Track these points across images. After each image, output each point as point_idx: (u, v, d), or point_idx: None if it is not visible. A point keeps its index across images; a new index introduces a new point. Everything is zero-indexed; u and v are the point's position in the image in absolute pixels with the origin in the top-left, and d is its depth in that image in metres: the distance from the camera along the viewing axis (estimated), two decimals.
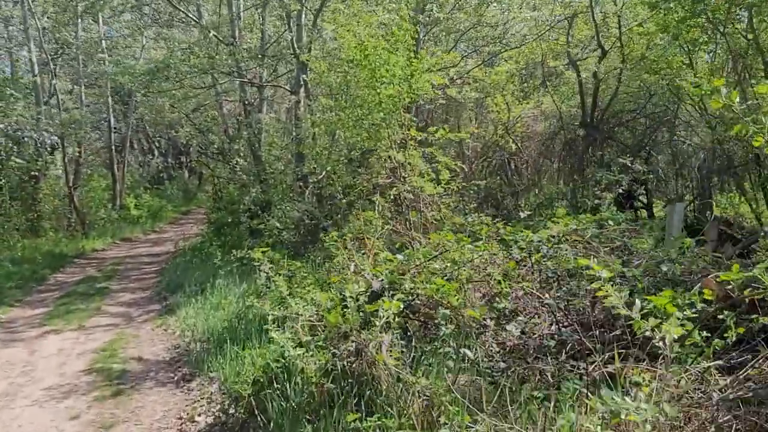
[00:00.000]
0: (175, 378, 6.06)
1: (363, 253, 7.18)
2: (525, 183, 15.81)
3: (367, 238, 7.24)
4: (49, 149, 18.50)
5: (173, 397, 5.55)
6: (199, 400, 5.36)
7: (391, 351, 4.21)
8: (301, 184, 12.53)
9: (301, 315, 4.80)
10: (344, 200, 11.23)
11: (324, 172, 12.58)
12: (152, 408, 5.30)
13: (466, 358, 4.06)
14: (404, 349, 4.39)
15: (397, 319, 4.34)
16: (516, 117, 15.53)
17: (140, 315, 9.06)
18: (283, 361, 4.67)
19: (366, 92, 7.07)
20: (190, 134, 19.88)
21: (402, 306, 4.43)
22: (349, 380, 4.18)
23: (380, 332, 4.19)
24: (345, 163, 10.54)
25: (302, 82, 13.80)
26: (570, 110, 16.02)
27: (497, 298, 4.77)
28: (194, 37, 16.11)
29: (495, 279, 4.85)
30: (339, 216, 11.31)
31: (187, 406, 5.28)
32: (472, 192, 11.03)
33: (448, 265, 5.02)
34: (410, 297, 4.78)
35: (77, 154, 19.64)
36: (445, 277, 4.86)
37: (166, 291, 10.46)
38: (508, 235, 5.33)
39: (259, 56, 14.63)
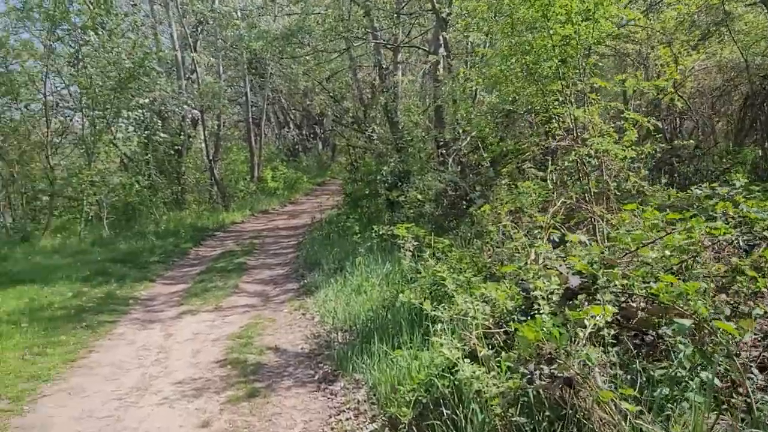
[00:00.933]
0: (316, 377, 5.23)
1: (528, 232, 5.98)
2: (700, 145, 13.62)
3: (535, 214, 6.01)
4: (191, 123, 18.81)
5: (314, 403, 4.72)
6: (344, 411, 4.47)
7: (604, 375, 3.03)
8: (443, 151, 11.44)
9: (473, 317, 3.71)
10: (492, 168, 10.01)
11: (468, 138, 11.39)
12: (290, 416, 4.49)
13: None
14: (619, 371, 3.18)
15: (609, 331, 3.13)
16: (686, 69, 13.32)
17: (277, 295, 8.46)
18: (451, 378, 3.63)
19: (533, 36, 5.77)
20: (324, 103, 19.38)
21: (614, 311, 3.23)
22: (546, 414, 3.06)
23: (588, 348, 3.02)
24: (495, 126, 9.28)
25: (441, 42, 12.60)
26: (754, 59, 13.53)
27: (750, 302, 3.39)
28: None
29: (745, 273, 3.46)
30: (487, 186, 10.13)
31: (330, 417, 4.41)
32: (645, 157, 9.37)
33: (668, 254, 3.70)
34: (621, 298, 3.53)
35: (216, 127, 19.88)
36: (669, 271, 3.56)
37: (303, 268, 9.85)
38: (749, 212, 3.89)
39: (395, 15, 13.59)
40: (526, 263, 4.20)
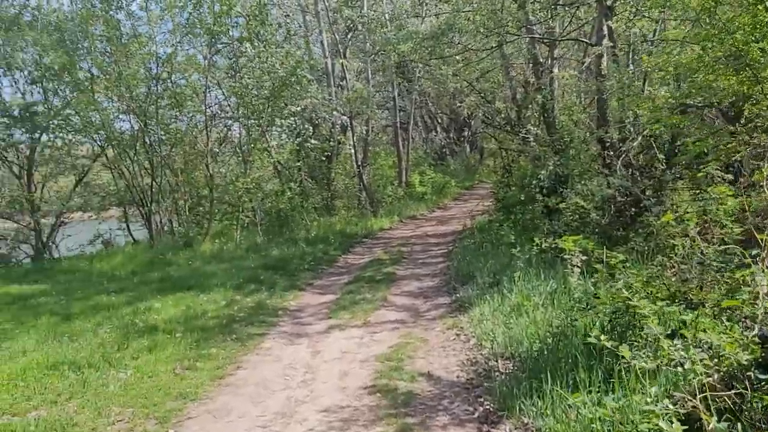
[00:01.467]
0: (476, 414, 4.56)
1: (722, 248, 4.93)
2: None
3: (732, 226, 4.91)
4: (340, 129, 18.95)
5: None
6: None
7: None
8: (610, 153, 10.27)
9: (690, 370, 2.84)
10: (669, 171, 8.75)
11: (639, 138, 10.14)
12: None
13: None
14: None
15: None
16: None
17: (428, 310, 7.90)
18: None
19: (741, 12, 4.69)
20: (475, 104, 18.65)
21: None
22: None
23: None
24: (677, 123, 8.01)
25: (606, 32, 11.39)
26: None
27: None
28: None
29: None
30: (662, 191, 8.90)
31: None
32: None
33: None
34: None
35: (365, 132, 19.89)
36: None
37: (455, 280, 9.22)
38: None
39: (552, 6, 12.56)
40: (753, 297, 3.23)
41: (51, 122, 15.33)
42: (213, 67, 15.05)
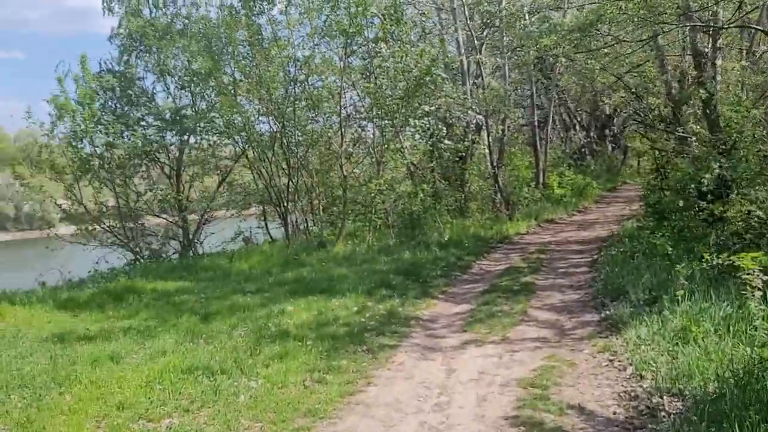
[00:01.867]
0: None
1: None
2: None
3: None
4: (475, 129, 18.34)
5: None
6: None
7: None
8: None
9: None
10: None
11: None
12: None
13: None
14: None
15: None
16: None
17: (573, 328, 7.16)
18: None
19: None
20: (624, 100, 17.27)
21: None
22: None
23: None
24: None
25: None
26: None
27: None
28: None
29: None
30: None
31: None
32: None
33: None
34: None
35: (501, 132, 19.13)
36: None
37: (603, 294, 8.35)
38: None
39: None
40: None
41: (197, 125, 16.10)
42: (348, 68, 15.04)
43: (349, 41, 14.30)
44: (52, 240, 16.06)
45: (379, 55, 14.57)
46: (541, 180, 20.64)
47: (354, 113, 17.72)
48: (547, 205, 18.95)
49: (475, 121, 18.17)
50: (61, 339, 7.02)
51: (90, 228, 15.84)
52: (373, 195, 14.17)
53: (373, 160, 15.89)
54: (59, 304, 9.20)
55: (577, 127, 30.66)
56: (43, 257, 16.47)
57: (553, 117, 26.14)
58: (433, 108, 16.59)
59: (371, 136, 16.62)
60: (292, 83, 15.07)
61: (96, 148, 15.38)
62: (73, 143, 15.29)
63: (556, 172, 22.47)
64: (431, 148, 16.45)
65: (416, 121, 15.68)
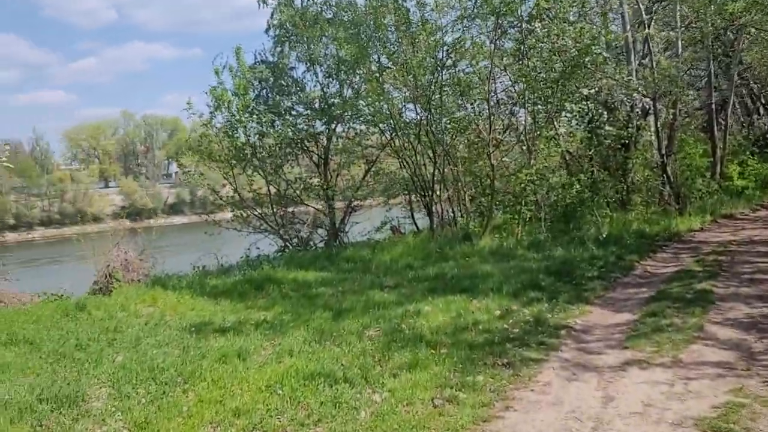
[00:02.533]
0: None
1: None
2: None
3: None
4: (640, 113, 16.56)
5: None
6: None
7: None
8: None
9: None
10: None
11: None
12: None
13: None
14: None
15: None
16: None
17: (766, 351, 5.87)
18: None
19: None
20: None
21: None
22: None
23: None
24: None
25: None
26: None
27: None
28: None
29: None
30: None
31: None
32: None
33: None
34: None
35: (671, 117, 17.10)
36: None
37: None
38: None
39: None
40: None
41: (344, 113, 16.04)
42: (499, 50, 14.09)
43: (500, 21, 13.35)
44: (210, 225, 16.84)
45: (532, 34, 13.46)
46: (718, 170, 18.28)
47: (504, 98, 16.76)
48: (725, 199, 16.71)
49: (641, 104, 16.39)
50: (198, 329, 7.03)
51: (244, 214, 16.42)
52: (523, 185, 13.19)
53: (524, 148, 14.85)
54: (205, 290, 9.39)
55: (762, 111, 26.97)
56: (208, 241, 17.30)
57: (732, 100, 23.15)
58: (592, 91, 15.17)
59: (522, 122, 15.54)
60: (439, 68, 14.44)
61: (249, 138, 15.84)
62: (229, 132, 15.85)
63: (736, 161, 19.82)
64: (589, 135, 15.04)
65: (573, 105, 14.40)
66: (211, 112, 15.71)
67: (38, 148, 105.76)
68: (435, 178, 15.16)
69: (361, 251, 12.60)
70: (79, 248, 13.56)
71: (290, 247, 16.21)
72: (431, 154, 15.17)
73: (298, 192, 16.71)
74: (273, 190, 16.43)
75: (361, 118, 16.45)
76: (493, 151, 13.98)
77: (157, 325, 7.42)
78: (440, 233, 14.48)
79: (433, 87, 14.32)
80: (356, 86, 16.17)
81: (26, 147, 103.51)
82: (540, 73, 13.65)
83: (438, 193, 15.62)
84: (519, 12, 13.36)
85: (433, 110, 14.80)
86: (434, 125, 15.03)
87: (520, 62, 14.11)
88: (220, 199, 16.98)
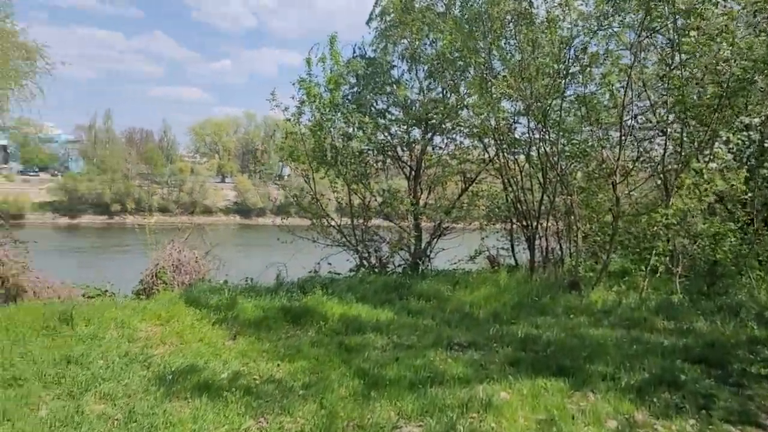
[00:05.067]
0: None
1: None
2: None
3: None
4: None
5: None
6: None
7: None
8: None
9: None
10: None
11: None
12: None
13: None
14: None
15: None
16: None
17: None
18: None
19: None
20: None
21: None
22: None
23: None
24: None
25: None
26: None
27: None
28: None
29: None
30: None
31: None
32: None
33: None
34: None
35: None
36: None
37: None
38: None
39: None
40: None
41: (444, 122, 13.84)
42: (642, 53, 11.32)
43: (647, 18, 10.63)
44: (282, 232, 15.04)
45: (688, 35, 10.58)
46: None
47: (639, 121, 13.82)
48: None
49: None
50: (176, 379, 5.06)
51: (324, 224, 14.55)
52: (655, 228, 10.33)
53: (660, 182, 11.95)
54: (230, 315, 7.46)
55: None
56: (291, 247, 15.41)
57: None
58: (757, 120, 12.00)
59: (659, 150, 12.59)
60: (562, 75, 11.87)
61: (333, 139, 13.96)
62: (314, 130, 14.06)
63: None
64: (749, 174, 11.84)
65: (731, 135, 11.33)
66: (297, 107, 14.02)
67: (166, 139, 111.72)
68: (542, 207, 12.58)
69: (439, 285, 10.25)
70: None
71: (366, 267, 14.17)
72: (541, 179, 12.63)
73: (383, 205, 14.65)
74: (356, 200, 14.49)
75: (463, 129, 14.18)
76: (619, 182, 11.21)
77: (134, 361, 5.51)
78: (541, 274, 11.86)
79: (552, 98, 11.80)
80: (461, 92, 13.91)
81: (156, 137, 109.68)
82: (692, 90, 10.80)
83: (544, 224, 13.01)
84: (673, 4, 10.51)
85: (549, 126, 12.28)
86: (550, 144, 12.49)
87: (669, 71, 11.24)
88: (297, 204, 15.19)
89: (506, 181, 13.21)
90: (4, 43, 12.79)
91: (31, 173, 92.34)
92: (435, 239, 14.46)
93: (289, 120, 13.98)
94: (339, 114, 13.63)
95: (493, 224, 14.48)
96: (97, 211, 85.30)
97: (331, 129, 13.73)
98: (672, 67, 11.42)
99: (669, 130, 11.92)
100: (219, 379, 5.12)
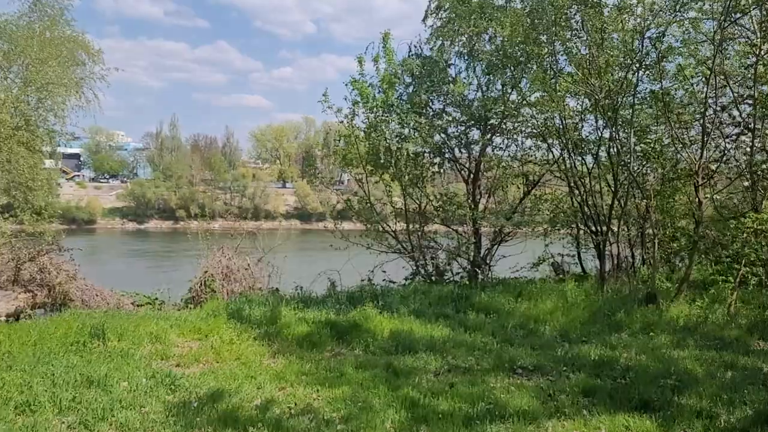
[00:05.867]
0: None
1: None
2: None
3: None
4: None
5: None
6: None
7: None
8: None
9: None
10: None
11: None
12: None
13: None
14: None
15: None
16: None
17: None
18: None
19: None
20: None
21: None
22: None
23: None
24: None
25: None
26: None
27: None
28: None
29: None
30: None
31: None
32: None
33: None
34: None
35: None
36: None
37: None
38: None
39: None
40: None
41: (505, 121, 13.02)
42: (724, 42, 10.24)
43: (732, 2, 9.55)
44: (336, 239, 14.46)
45: None
46: None
47: (725, 117, 12.62)
48: None
49: None
50: (203, 407, 4.49)
51: (379, 229, 13.94)
52: (745, 236, 9.23)
53: (748, 184, 10.80)
54: (273, 330, 6.92)
55: None
56: (348, 253, 14.77)
57: None
58: None
59: (748, 149, 11.40)
60: (634, 68, 10.88)
61: (387, 141, 13.31)
62: (368, 133, 13.46)
63: None
64: None
65: None
66: (350, 108, 13.47)
67: (228, 145, 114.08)
68: (613, 212, 11.59)
69: (500, 298, 9.44)
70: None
71: (422, 274, 13.48)
72: (611, 181, 11.65)
73: (440, 210, 13.92)
74: (411, 205, 13.83)
75: (525, 129, 13.30)
76: (701, 184, 10.13)
77: (160, 384, 5.01)
78: (612, 285, 10.87)
79: (623, 94, 10.84)
80: (522, 90, 13.02)
81: (219, 143, 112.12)
82: None
83: (615, 230, 12.00)
84: None
85: (620, 125, 11.31)
86: (620, 144, 11.50)
87: (756, 62, 10.11)
88: (351, 209, 14.61)
89: (572, 183, 12.26)
90: (64, 49, 12.77)
91: (102, 180, 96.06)
92: (495, 246, 13.62)
93: (342, 122, 13.48)
94: (393, 115, 12.98)
95: (558, 230, 13.50)
96: (163, 216, 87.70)
97: (385, 130, 13.08)
98: (759, 57, 10.29)
99: (756, 125, 10.76)
100: (249, 408, 4.56)
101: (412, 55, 13.88)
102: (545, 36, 11.65)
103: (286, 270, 13.73)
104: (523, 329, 7.54)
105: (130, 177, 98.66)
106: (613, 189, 11.41)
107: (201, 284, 11.50)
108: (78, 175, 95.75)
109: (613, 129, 11.35)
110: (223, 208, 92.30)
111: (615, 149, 11.52)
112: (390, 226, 13.87)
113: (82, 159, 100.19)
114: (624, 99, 11.05)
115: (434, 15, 13.84)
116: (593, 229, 11.92)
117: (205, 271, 11.68)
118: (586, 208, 11.94)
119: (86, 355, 5.58)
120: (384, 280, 13.23)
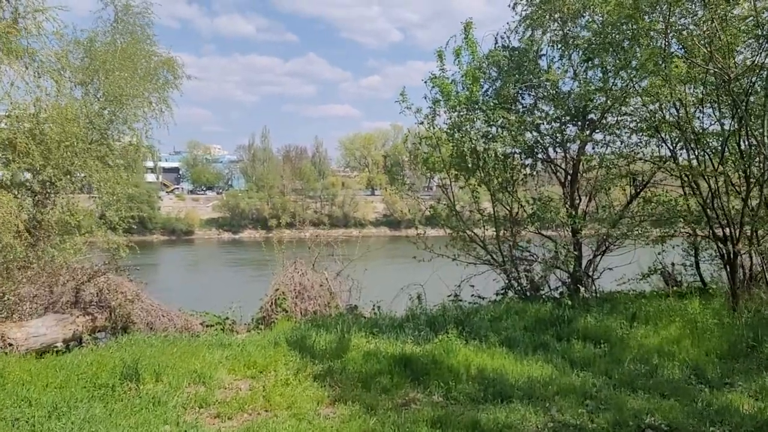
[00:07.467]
0: None
1: None
2: None
3: None
4: None
5: None
6: None
7: None
8: None
9: None
10: None
11: None
12: None
13: None
14: None
15: None
16: None
17: None
18: None
19: None
20: None
21: None
22: None
23: None
24: None
25: None
26: None
27: None
28: None
29: None
30: None
31: None
32: None
33: None
34: None
35: None
36: None
37: None
38: None
39: None
40: None
41: (606, 116, 11.42)
42: None
43: None
44: (420, 250, 13.20)
45: None
46: None
47: None
48: None
49: None
50: None
51: (466, 239, 12.68)
52: None
53: None
54: (338, 366, 5.85)
55: None
56: (433, 264, 13.52)
57: None
58: None
59: None
60: (765, 47, 9.07)
61: (473, 142, 12.00)
62: (451, 133, 12.22)
63: None
64: None
65: None
66: (430, 107, 12.32)
67: (318, 155, 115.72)
68: (743, 215, 9.77)
69: (609, 321, 7.94)
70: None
71: (515, 289, 12.09)
72: (740, 179, 9.84)
73: (534, 217, 12.43)
74: (501, 211, 12.47)
75: (631, 123, 11.61)
76: None
77: None
78: (748, 304, 9.06)
79: (751, 78, 9.06)
80: (626, 79, 11.33)
81: (309, 153, 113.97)
82: None
83: (748, 235, 10.13)
84: None
85: (748, 115, 9.49)
86: (750, 137, 9.67)
87: None
88: (433, 216, 13.39)
89: (690, 183, 10.50)
90: (145, 63, 12.57)
91: (200, 192, 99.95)
92: (599, 256, 11.98)
93: (422, 123, 12.36)
94: (478, 112, 11.70)
95: (671, 237, 11.70)
96: (256, 226, 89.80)
97: (470, 130, 11.80)
98: None
99: None
100: None
101: (498, 47, 12.54)
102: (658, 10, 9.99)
103: (369, 282, 12.77)
104: (644, 365, 6.08)
105: (225, 188, 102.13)
106: (744, 188, 9.61)
107: (272, 303, 10.70)
108: (177, 188, 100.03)
109: (740, 118, 9.57)
110: (314, 217, 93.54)
111: (745, 143, 9.72)
112: (478, 235, 12.58)
113: (180, 172, 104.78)
114: (755, 83, 9.27)
115: (523, 4, 12.41)
116: (719, 236, 10.12)
117: (276, 289, 10.88)
118: (709, 212, 10.15)
119: (112, 403, 4.73)
120: (472, 295, 12.00)
